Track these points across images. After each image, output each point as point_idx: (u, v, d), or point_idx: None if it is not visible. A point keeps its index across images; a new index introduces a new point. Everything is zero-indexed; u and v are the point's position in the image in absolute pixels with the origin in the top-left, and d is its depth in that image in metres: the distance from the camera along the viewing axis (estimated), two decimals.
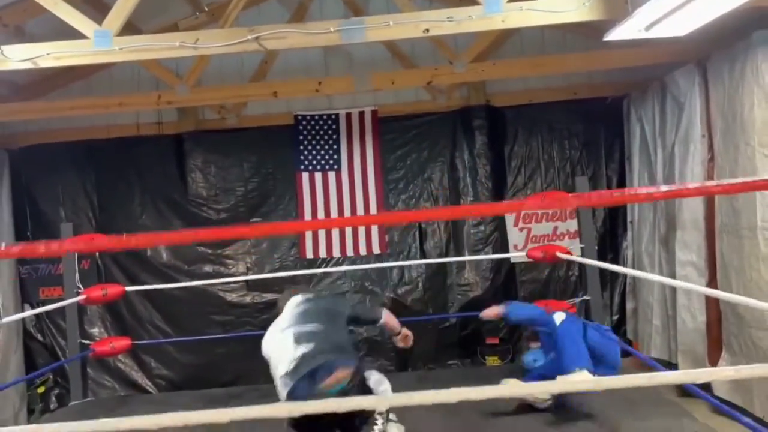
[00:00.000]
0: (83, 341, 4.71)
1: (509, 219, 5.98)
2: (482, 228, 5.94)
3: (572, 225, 5.93)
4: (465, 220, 5.93)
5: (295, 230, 3.56)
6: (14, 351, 5.50)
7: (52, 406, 5.69)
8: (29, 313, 5.21)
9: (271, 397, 4.50)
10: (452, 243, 5.93)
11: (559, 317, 3.70)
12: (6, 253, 2.65)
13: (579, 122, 5.96)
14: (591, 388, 2.98)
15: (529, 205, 3.98)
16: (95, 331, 5.75)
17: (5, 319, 4.48)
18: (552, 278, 5.93)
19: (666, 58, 4.61)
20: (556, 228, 5.99)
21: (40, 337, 5.85)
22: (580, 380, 3.18)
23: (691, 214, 4.60)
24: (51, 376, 5.74)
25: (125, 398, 5.02)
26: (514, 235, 5.98)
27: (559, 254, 4.26)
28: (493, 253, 5.79)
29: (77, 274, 4.64)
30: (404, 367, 5.67)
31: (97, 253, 5.76)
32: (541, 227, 5.98)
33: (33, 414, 5.59)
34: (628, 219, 5.87)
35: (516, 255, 5.61)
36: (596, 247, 4.83)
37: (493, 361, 5.38)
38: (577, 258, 4.30)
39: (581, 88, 5.87)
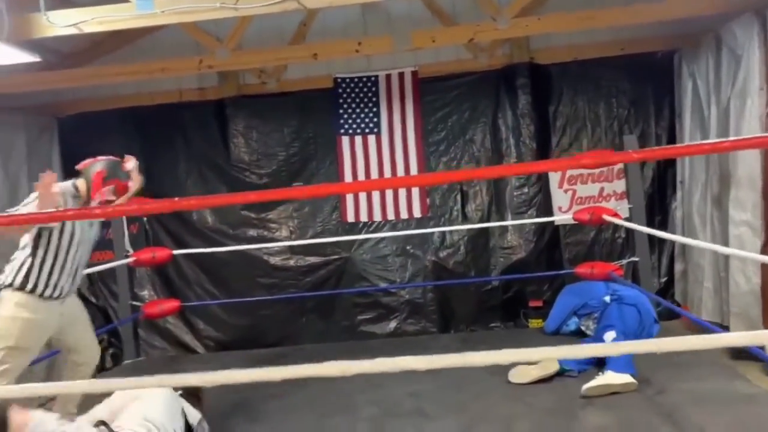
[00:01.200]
0: (134, 303, 4.87)
1: (554, 180, 5.87)
2: (525, 190, 5.84)
3: (619, 186, 5.79)
4: (508, 182, 5.85)
5: (337, 192, 3.58)
6: None
7: (107, 365, 5.91)
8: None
9: (316, 356, 4.60)
10: (494, 205, 5.86)
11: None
12: (61, 216, 2.72)
13: (627, 79, 5.76)
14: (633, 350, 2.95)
15: (578, 163, 3.85)
16: (145, 293, 5.92)
17: None
18: (598, 240, 5.82)
19: (722, 8, 4.38)
20: (602, 189, 5.85)
21: (93, 300, 6.06)
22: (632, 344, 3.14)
23: (746, 171, 4.41)
24: (105, 337, 5.94)
25: (175, 357, 5.19)
26: (559, 197, 5.87)
27: (606, 217, 4.16)
28: (536, 216, 5.71)
29: (126, 237, 4.77)
30: (446, 328, 5.68)
31: (145, 218, 5.91)
32: (586, 188, 5.85)
33: None
34: (678, 179, 5.69)
35: (561, 217, 5.52)
36: (644, 208, 4.70)
37: (536, 323, 5.34)
38: (624, 222, 4.18)
39: (630, 44, 5.65)
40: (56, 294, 3.01)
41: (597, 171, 5.76)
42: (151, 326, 5.91)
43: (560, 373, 3.49)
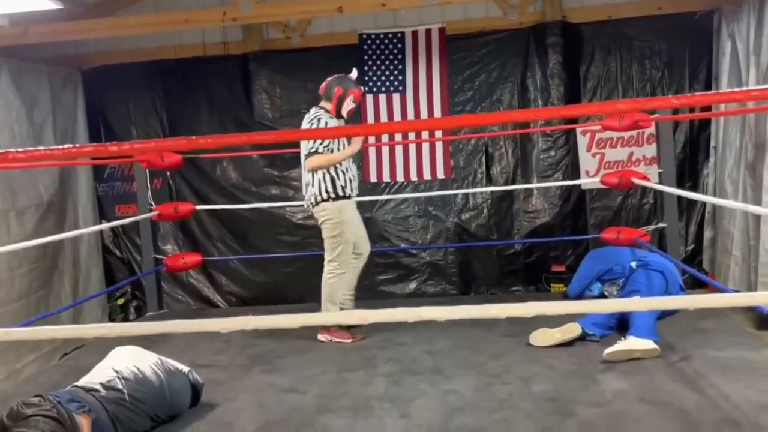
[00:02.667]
0: (157, 256, 4.91)
1: (581, 144, 5.73)
2: (552, 153, 5.72)
3: (649, 150, 5.64)
4: (534, 145, 5.73)
5: (360, 133, 3.59)
6: (95, 265, 5.80)
7: (131, 317, 6.02)
8: (105, 225, 5.43)
9: None
10: (520, 168, 5.75)
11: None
12: (79, 151, 2.72)
13: (662, 40, 5.55)
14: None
15: (613, 107, 3.72)
16: (168, 247, 5.97)
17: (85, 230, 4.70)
18: (624, 206, 5.70)
19: None
20: (631, 153, 5.71)
21: (118, 253, 6.13)
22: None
23: None
24: (129, 290, 6.04)
25: (197, 311, 5.25)
26: (587, 161, 5.74)
27: (635, 180, 4.04)
28: (563, 179, 5.60)
29: (149, 191, 4.78)
30: (467, 291, 5.66)
31: (168, 173, 5.92)
32: (615, 153, 5.71)
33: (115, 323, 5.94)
34: (711, 144, 5.52)
35: (588, 181, 5.40)
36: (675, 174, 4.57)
37: (558, 288, 5.28)
38: (654, 185, 4.06)
39: (667, 3, 5.43)
40: (355, 193, 3.83)
41: (627, 135, 5.61)
42: (175, 280, 5.98)
43: (582, 338, 3.45)
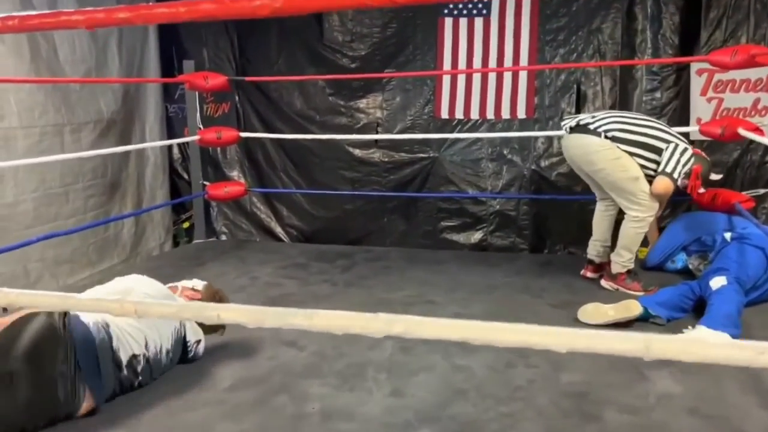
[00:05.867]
0: (205, 183, 4.74)
1: (695, 85, 4.81)
2: (658, 95, 4.86)
3: None
4: (638, 83, 4.89)
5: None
6: (160, 186, 5.76)
7: (194, 240, 5.99)
8: (147, 145, 5.32)
9: (380, 260, 4.24)
10: (617, 111, 4.94)
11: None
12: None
13: None
14: None
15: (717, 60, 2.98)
16: (234, 174, 5.81)
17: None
18: (741, 163, 4.76)
19: None
20: (757, 101, 4.72)
21: (185, 176, 6.07)
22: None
23: None
24: (194, 213, 5.99)
25: (242, 243, 5.08)
26: (700, 106, 4.82)
27: (742, 131, 3.24)
28: (670, 126, 4.74)
29: (198, 114, 4.56)
30: (540, 248, 5.05)
31: (237, 97, 5.69)
32: (736, 98, 4.75)
33: (178, 246, 5.93)
34: None
35: (693, 129, 4.54)
36: None
37: (642, 252, 4.56)
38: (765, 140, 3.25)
39: None
40: None
41: (754, 77, 4.63)
42: (239, 208, 5.84)
43: (643, 318, 2.85)
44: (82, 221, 4.79)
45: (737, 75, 4.63)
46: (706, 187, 3.46)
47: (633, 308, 2.81)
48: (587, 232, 4.97)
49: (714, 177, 3.51)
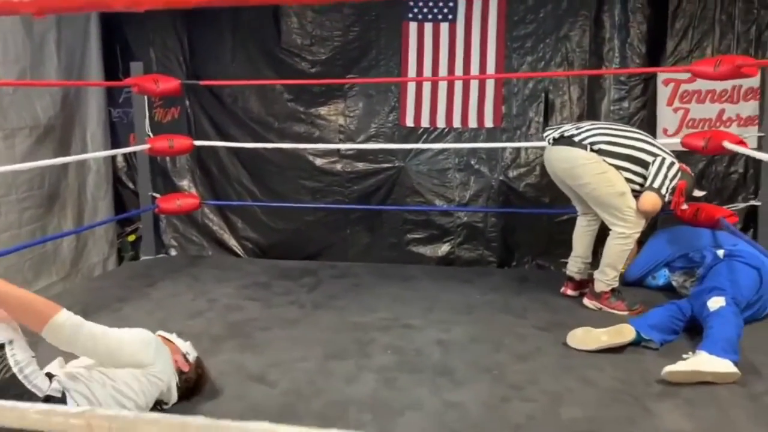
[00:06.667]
0: (155, 195, 4.39)
1: (662, 95, 4.77)
2: (625, 104, 4.80)
3: (746, 109, 4.64)
4: (605, 93, 4.82)
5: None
6: (103, 197, 5.34)
7: (142, 256, 5.59)
8: (94, 155, 4.92)
9: (348, 277, 3.99)
10: (585, 121, 4.85)
11: None
12: None
13: None
14: None
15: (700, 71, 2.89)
16: (184, 183, 5.43)
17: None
18: (707, 174, 4.74)
19: None
20: (722, 111, 4.72)
21: (131, 185, 5.66)
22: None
23: None
24: (141, 226, 5.59)
25: (195, 260, 4.73)
26: (666, 117, 4.79)
27: (727, 144, 3.16)
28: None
29: (147, 120, 4.21)
30: (508, 260, 4.91)
31: (187, 102, 5.34)
32: (702, 108, 4.73)
33: (123, 261, 5.53)
34: None
35: (666, 142, 4.48)
36: None
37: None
38: (755, 152, 3.17)
39: None
40: None
41: (719, 88, 4.63)
42: (190, 220, 5.48)
43: (635, 343, 2.70)
44: (16, 237, 4.36)
45: (703, 86, 4.62)
46: (688, 204, 3.37)
47: (626, 333, 2.66)
48: (555, 244, 4.88)
49: (698, 194, 3.42)
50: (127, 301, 2.99)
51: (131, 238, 5.61)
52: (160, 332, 2.32)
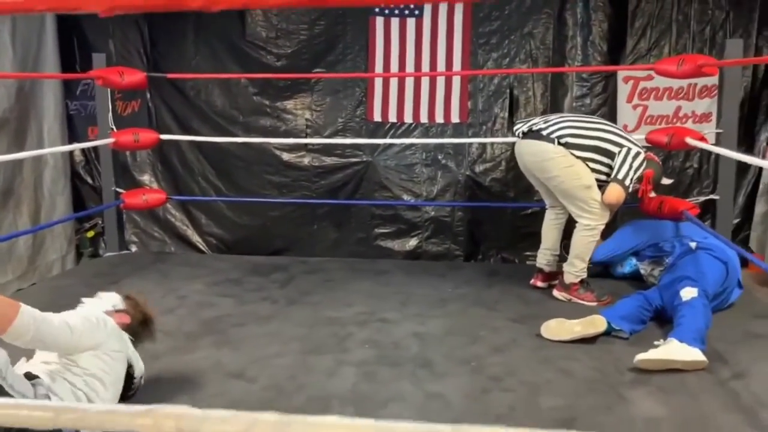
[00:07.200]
0: (118, 190, 4.29)
1: (621, 93, 4.91)
2: (587, 101, 4.91)
3: (700, 106, 4.82)
4: (568, 90, 4.92)
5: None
6: (61, 192, 5.18)
7: (101, 252, 5.44)
8: (58, 149, 4.76)
9: (319, 272, 3.98)
10: (554, 114, 4.95)
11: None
12: None
13: None
14: None
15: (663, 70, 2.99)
16: (145, 178, 5.32)
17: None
18: (664, 169, 4.90)
19: None
20: (679, 108, 4.88)
21: (89, 180, 5.51)
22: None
23: None
24: (100, 222, 5.44)
25: (161, 256, 4.63)
26: (626, 113, 4.92)
27: (689, 140, 3.28)
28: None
29: (111, 113, 4.11)
30: (474, 254, 4.97)
31: (148, 95, 5.21)
32: (660, 106, 4.89)
33: (81, 258, 5.38)
34: None
35: (640, 137, 4.62)
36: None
37: None
38: (715, 148, 3.29)
39: None
40: None
41: (676, 86, 4.79)
42: (152, 215, 5.36)
43: (606, 333, 2.78)
44: None
45: (661, 83, 4.76)
46: (657, 192, 3.47)
47: (598, 323, 2.73)
48: (520, 238, 4.98)
49: (665, 182, 3.53)
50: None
51: (90, 234, 5.46)
52: (83, 299, 2.27)
